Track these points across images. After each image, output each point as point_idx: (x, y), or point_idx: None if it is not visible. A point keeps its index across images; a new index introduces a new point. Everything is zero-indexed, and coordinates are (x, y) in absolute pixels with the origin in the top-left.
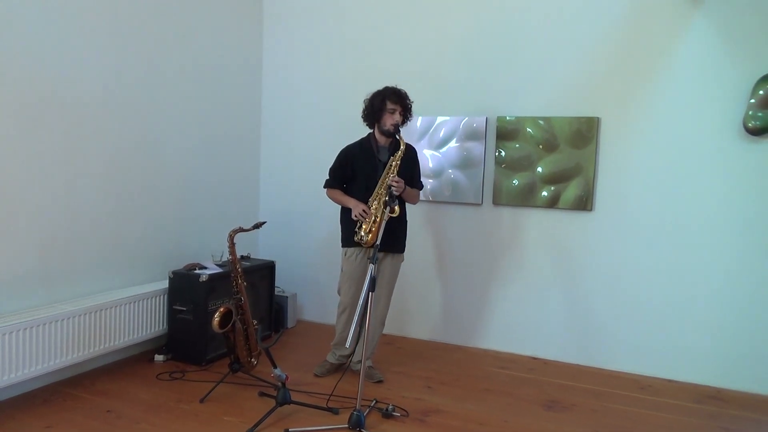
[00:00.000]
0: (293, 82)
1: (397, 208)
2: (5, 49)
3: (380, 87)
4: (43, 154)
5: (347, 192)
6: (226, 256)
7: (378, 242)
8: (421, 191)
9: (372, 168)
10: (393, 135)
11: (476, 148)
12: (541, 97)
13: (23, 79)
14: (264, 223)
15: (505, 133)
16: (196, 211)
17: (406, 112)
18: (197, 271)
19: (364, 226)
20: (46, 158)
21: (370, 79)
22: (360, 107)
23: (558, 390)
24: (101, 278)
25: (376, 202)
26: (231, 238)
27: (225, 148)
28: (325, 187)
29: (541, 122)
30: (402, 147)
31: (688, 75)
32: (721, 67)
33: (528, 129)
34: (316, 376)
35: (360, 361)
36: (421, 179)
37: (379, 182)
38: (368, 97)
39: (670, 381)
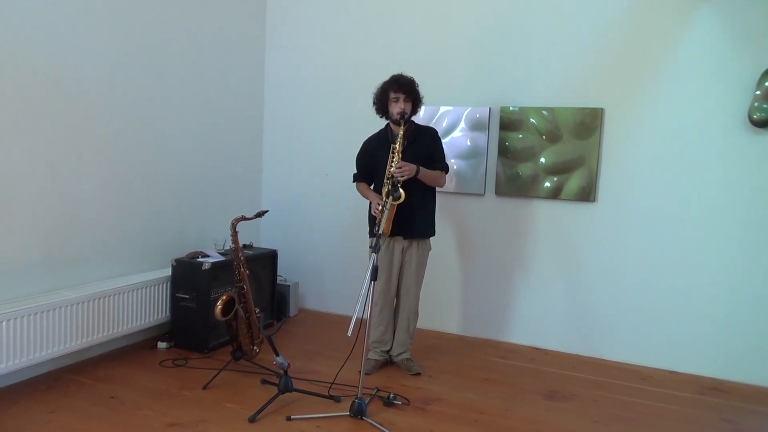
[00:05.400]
0: (296, 70)
1: (403, 193)
2: (8, 38)
3: (385, 77)
4: (46, 142)
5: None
6: (229, 245)
7: (380, 231)
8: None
9: (389, 159)
10: (400, 123)
11: (479, 138)
12: (544, 88)
13: (25, 68)
14: (266, 211)
15: (509, 123)
16: (198, 199)
17: (413, 98)
18: (200, 259)
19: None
20: (49, 146)
21: (374, 69)
22: (363, 97)
23: (558, 380)
24: (104, 266)
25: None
26: (233, 226)
27: (228, 136)
28: (353, 181)
29: (544, 113)
30: (400, 132)
31: (692, 66)
32: (727, 58)
33: (531, 119)
34: (366, 374)
35: (401, 353)
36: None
37: (385, 172)
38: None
39: (671, 372)
